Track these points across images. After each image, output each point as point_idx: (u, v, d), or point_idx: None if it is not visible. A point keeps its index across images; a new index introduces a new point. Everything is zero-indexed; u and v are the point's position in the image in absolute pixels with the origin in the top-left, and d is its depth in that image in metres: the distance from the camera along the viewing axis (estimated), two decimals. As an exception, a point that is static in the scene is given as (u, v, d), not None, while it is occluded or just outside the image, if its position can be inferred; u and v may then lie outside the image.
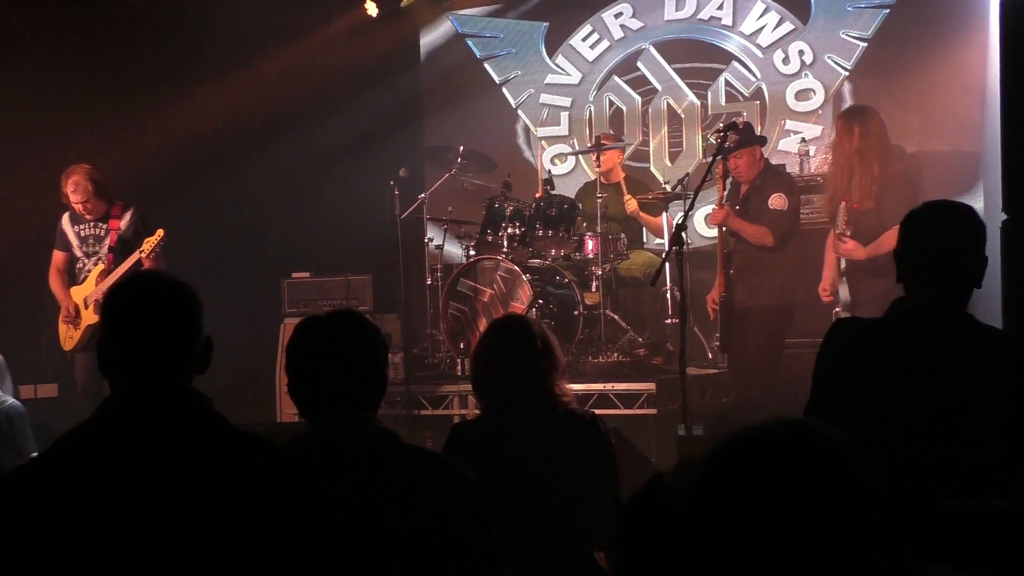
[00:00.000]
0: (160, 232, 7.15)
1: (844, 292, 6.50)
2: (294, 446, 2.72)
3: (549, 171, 9.08)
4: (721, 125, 7.12)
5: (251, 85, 9.71)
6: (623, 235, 8.11)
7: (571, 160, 9.77)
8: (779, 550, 1.39)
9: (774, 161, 8.27)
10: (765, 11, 9.28)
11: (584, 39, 9.87)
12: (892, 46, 8.82)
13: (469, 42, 10.21)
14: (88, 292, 7.33)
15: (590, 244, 7.90)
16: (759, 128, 8.69)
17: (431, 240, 8.68)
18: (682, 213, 6.28)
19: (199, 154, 9.39)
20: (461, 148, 8.70)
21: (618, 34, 9.76)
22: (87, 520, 2.16)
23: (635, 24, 9.68)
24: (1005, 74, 4.49)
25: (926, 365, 3.00)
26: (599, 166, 8.11)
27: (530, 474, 3.66)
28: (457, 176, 8.76)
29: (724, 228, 7.19)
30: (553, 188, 8.26)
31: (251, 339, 8.77)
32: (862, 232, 6.43)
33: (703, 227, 8.99)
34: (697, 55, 9.52)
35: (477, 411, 3.94)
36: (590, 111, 9.85)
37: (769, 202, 6.99)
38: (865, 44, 8.95)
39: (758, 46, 9.30)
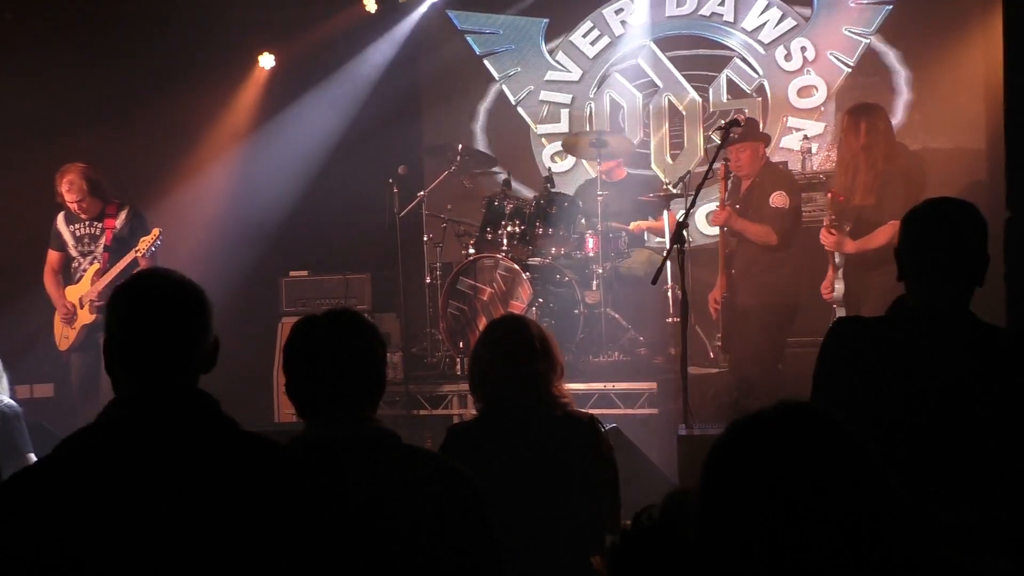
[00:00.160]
0: (156, 231, 7.15)
1: (839, 287, 6.48)
2: (293, 446, 2.70)
3: (549, 168, 9.03)
4: (723, 122, 7.08)
5: (248, 82, 9.68)
6: (624, 234, 8.06)
7: (571, 157, 9.71)
8: (794, 529, 1.44)
9: (777, 158, 8.25)
10: (767, 7, 9.25)
11: (584, 35, 9.82)
12: (895, 42, 8.79)
13: (468, 38, 10.16)
14: (84, 291, 7.32)
15: (590, 242, 7.86)
16: (762, 125, 8.65)
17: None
18: (683, 211, 6.23)
19: (195, 152, 9.36)
20: (460, 146, 8.65)
21: (619, 30, 9.71)
22: (97, 523, 2.14)
23: (636, 20, 9.62)
24: (1008, 71, 4.46)
25: (928, 364, 2.98)
26: (600, 165, 8.06)
27: (528, 476, 3.63)
28: (456, 174, 8.71)
29: (726, 229, 7.16)
30: (553, 186, 8.22)
31: (248, 338, 8.73)
32: (862, 228, 6.42)
33: (704, 225, 8.95)
34: (698, 51, 9.48)
35: (475, 412, 3.91)
36: (590, 108, 9.80)
37: (771, 200, 6.96)
38: (868, 40, 8.91)
39: (760, 42, 9.27)
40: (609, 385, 7.37)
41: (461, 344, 7.77)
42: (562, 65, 9.89)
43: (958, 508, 2.78)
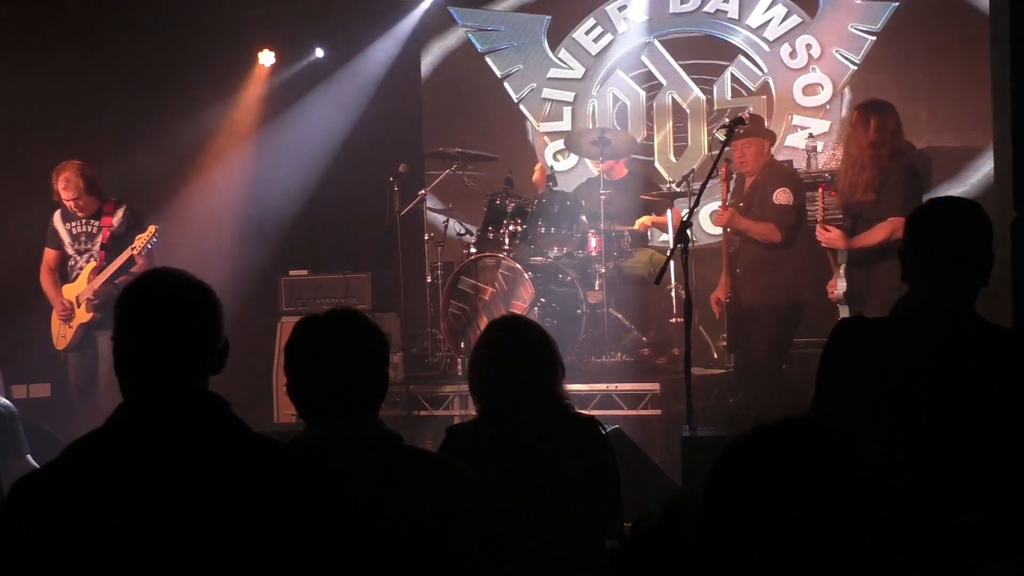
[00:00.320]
0: (152, 228, 7.13)
1: (841, 285, 6.48)
2: (293, 447, 2.68)
3: (551, 167, 8.97)
4: (727, 120, 7.03)
5: (248, 80, 9.64)
6: (627, 233, 8.02)
7: (573, 156, 9.66)
8: (796, 544, 1.43)
9: (781, 157, 8.22)
10: (772, 4, 9.19)
11: (587, 33, 9.76)
12: (901, 39, 8.74)
13: (470, 36, 10.10)
14: (80, 290, 7.29)
15: (593, 241, 7.81)
16: (766, 123, 8.59)
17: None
18: (687, 210, 6.18)
19: (195, 151, 9.32)
20: (462, 143, 8.60)
21: (622, 27, 9.65)
22: (111, 527, 2.13)
23: (639, 17, 9.57)
24: (1016, 69, 4.44)
25: (932, 364, 2.95)
26: (602, 163, 8.01)
27: (527, 478, 3.59)
28: (457, 172, 8.65)
29: (729, 229, 7.11)
30: (556, 184, 8.18)
31: (248, 338, 8.68)
32: (862, 224, 6.40)
33: (708, 224, 8.90)
34: (702, 49, 9.43)
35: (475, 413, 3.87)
36: (593, 106, 9.74)
37: (774, 197, 6.93)
38: (874, 38, 8.85)
39: (765, 40, 9.21)
40: (612, 386, 7.33)
41: (462, 344, 7.72)
42: (564, 63, 9.83)
43: (962, 509, 2.77)
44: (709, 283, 7.61)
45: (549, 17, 9.88)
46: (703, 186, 6.25)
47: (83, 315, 7.27)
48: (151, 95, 8.94)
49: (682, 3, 9.48)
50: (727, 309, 7.07)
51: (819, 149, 8.59)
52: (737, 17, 9.31)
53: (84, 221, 7.34)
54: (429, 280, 8.41)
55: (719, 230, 7.49)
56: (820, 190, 6.55)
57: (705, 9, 9.40)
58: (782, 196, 6.91)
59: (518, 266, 7.60)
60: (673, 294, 7.88)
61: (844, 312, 6.46)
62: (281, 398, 8.60)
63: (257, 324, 8.97)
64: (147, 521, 2.13)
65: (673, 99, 9.50)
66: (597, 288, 7.76)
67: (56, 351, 7.49)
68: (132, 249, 7.12)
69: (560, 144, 9.71)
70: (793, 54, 9.13)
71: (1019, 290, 4.79)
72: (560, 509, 3.60)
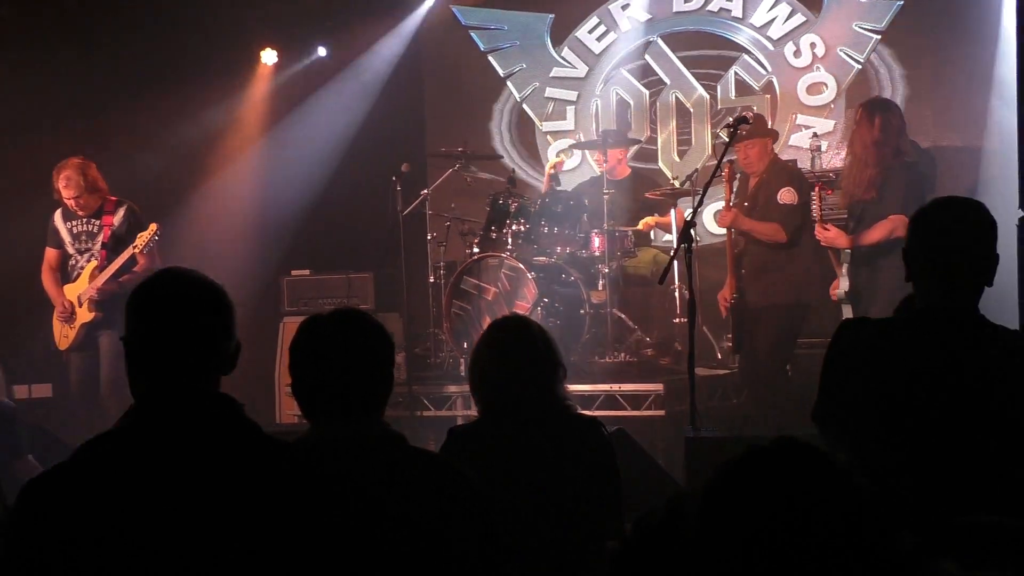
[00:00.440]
0: (153, 226, 7.12)
1: (844, 284, 6.50)
2: (297, 447, 2.64)
3: (554, 166, 8.94)
4: (731, 119, 7.01)
5: (251, 79, 9.63)
6: (630, 232, 7.99)
7: (577, 155, 9.64)
8: (787, 563, 1.50)
9: (786, 156, 8.21)
10: (776, 3, 9.18)
11: (591, 31, 9.74)
12: (906, 38, 8.73)
13: (473, 34, 10.08)
14: (82, 289, 7.27)
15: (596, 241, 7.80)
16: (770, 122, 8.57)
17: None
18: (691, 210, 6.16)
19: (197, 151, 9.31)
20: (465, 143, 8.58)
21: (625, 26, 9.63)
22: (123, 529, 2.12)
23: (643, 16, 9.55)
24: (1021, 68, 4.41)
25: (936, 365, 2.95)
26: (605, 162, 7.98)
27: (529, 479, 3.58)
28: (460, 171, 8.63)
29: (733, 229, 7.08)
30: (559, 184, 8.15)
31: (250, 338, 8.66)
32: (864, 222, 6.39)
33: (712, 224, 8.87)
34: (706, 48, 9.42)
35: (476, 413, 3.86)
36: (596, 105, 9.72)
37: (779, 196, 6.91)
38: (878, 36, 8.82)
39: (769, 38, 9.20)
40: (615, 386, 7.32)
41: (465, 344, 7.70)
42: (568, 62, 9.81)
43: (965, 510, 2.70)
44: (713, 283, 7.59)
45: (552, 16, 9.86)
46: (707, 186, 6.23)
47: (85, 314, 7.25)
48: (152, 95, 8.90)
49: (686, 1, 9.46)
50: (732, 309, 7.04)
51: (823, 148, 8.56)
52: (741, 15, 9.29)
53: (85, 220, 7.32)
54: (432, 280, 8.38)
55: (723, 230, 7.47)
56: (817, 189, 6.57)
57: (709, 7, 9.38)
58: (787, 195, 6.89)
59: (521, 266, 7.59)
60: (677, 294, 7.85)
61: (847, 312, 6.46)
62: (283, 398, 8.59)
63: (259, 324, 8.95)
64: (159, 523, 2.12)
65: (677, 98, 9.49)
66: (600, 288, 7.75)
67: (57, 351, 7.47)
68: (133, 248, 7.11)
69: (563, 143, 9.70)
70: (797, 53, 9.11)
71: (1024, 289, 4.77)
72: (561, 509, 3.59)
